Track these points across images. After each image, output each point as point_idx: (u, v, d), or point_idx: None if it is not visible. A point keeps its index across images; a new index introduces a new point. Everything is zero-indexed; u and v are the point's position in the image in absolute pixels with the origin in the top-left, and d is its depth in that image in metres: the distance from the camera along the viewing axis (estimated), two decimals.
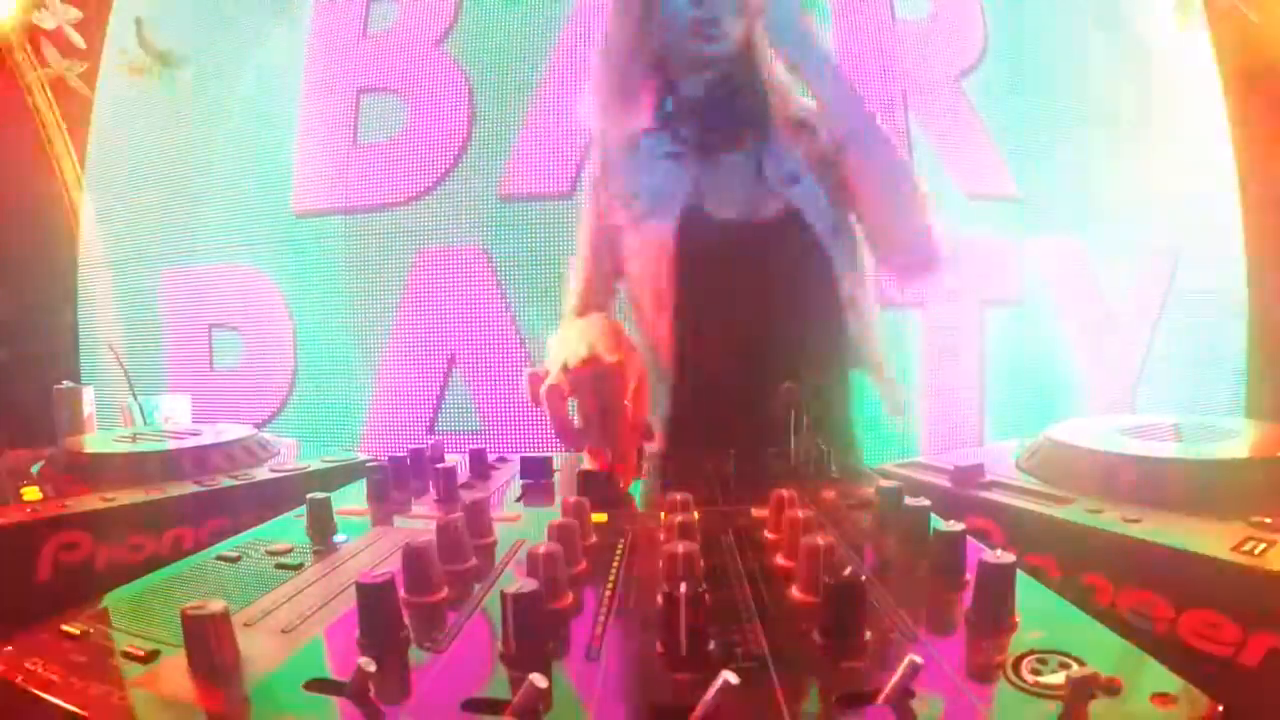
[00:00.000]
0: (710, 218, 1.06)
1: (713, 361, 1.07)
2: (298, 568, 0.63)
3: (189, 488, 0.97)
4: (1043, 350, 2.16)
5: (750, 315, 1.06)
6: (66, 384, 1.61)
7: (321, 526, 0.71)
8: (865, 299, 1.10)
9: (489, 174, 2.09)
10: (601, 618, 0.51)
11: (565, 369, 0.85)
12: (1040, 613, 0.49)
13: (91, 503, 0.89)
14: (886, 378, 1.14)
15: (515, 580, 0.47)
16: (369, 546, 0.68)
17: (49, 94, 2.26)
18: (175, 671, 0.45)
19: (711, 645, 0.45)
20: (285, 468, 1.09)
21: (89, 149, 2.33)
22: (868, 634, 0.46)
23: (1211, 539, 0.65)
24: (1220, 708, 0.38)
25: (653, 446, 0.97)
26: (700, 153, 1.08)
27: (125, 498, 0.91)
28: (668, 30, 1.08)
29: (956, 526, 0.56)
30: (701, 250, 1.06)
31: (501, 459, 1.05)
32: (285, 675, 0.44)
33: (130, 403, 1.58)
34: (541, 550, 0.52)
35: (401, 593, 0.51)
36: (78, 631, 0.51)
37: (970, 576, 0.52)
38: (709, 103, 1.07)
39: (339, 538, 0.70)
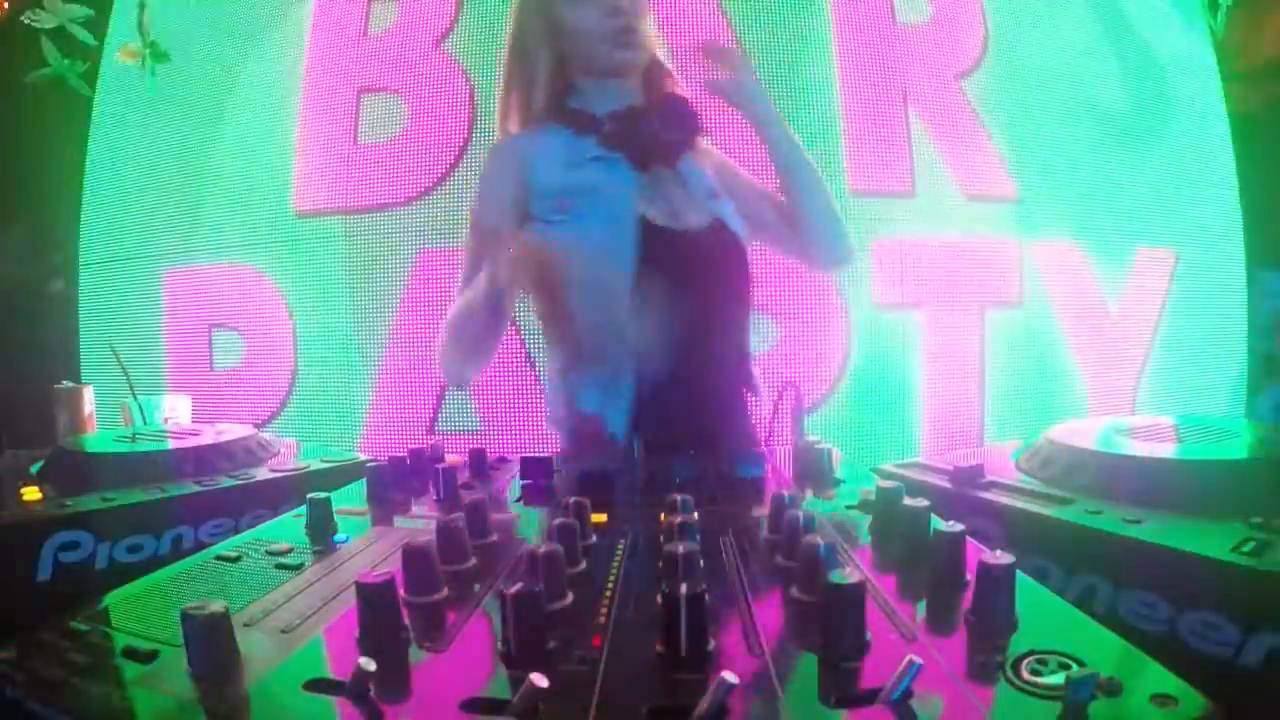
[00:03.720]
0: (652, 224, 1.10)
1: (663, 356, 1.10)
2: (298, 568, 0.63)
3: (189, 488, 0.97)
4: (1043, 351, 2.16)
5: (685, 314, 1.09)
6: (66, 384, 1.61)
7: (321, 526, 0.71)
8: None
9: None
10: (601, 618, 0.51)
11: None
12: (1040, 613, 0.49)
13: (91, 503, 0.89)
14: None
15: (515, 580, 0.47)
16: (369, 546, 0.68)
17: (49, 93, 2.26)
18: (175, 671, 0.45)
19: (711, 645, 0.45)
20: (285, 468, 1.09)
21: (89, 149, 2.33)
22: (868, 634, 0.46)
23: (1211, 539, 0.65)
24: (1220, 708, 0.38)
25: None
26: (636, 162, 1.11)
27: (125, 498, 0.91)
28: (580, 40, 1.12)
29: (956, 527, 0.56)
30: (648, 252, 1.09)
31: (501, 459, 1.05)
32: (285, 675, 0.44)
33: (130, 403, 1.58)
34: (541, 550, 0.52)
35: (401, 593, 0.51)
36: (78, 631, 0.51)
37: (970, 577, 0.52)
38: (643, 115, 1.11)
39: (339, 538, 0.70)
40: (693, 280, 1.10)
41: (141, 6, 2.23)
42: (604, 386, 1.11)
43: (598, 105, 1.13)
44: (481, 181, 1.22)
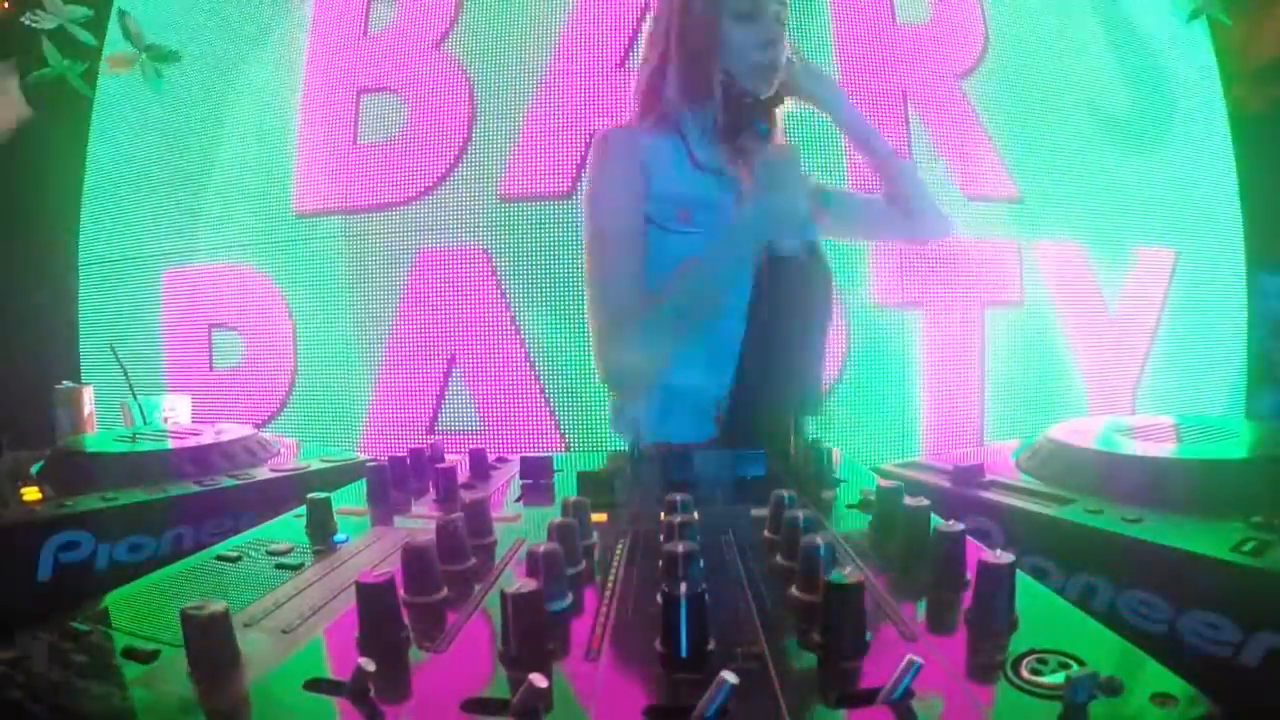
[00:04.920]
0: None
1: (748, 374, 1.14)
2: (298, 568, 0.63)
3: (189, 488, 0.97)
4: (1043, 351, 2.16)
5: (774, 331, 1.15)
6: (66, 384, 1.61)
7: (321, 526, 0.71)
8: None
9: (489, 174, 2.08)
10: (601, 618, 0.51)
11: None
12: (1040, 613, 0.49)
13: (91, 503, 0.89)
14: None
15: (515, 580, 0.47)
16: (369, 546, 0.68)
17: (49, 94, 2.26)
18: (175, 671, 0.45)
19: (711, 645, 0.45)
20: (285, 468, 1.09)
21: (89, 149, 2.33)
22: (868, 634, 0.46)
23: (1211, 539, 0.65)
24: (1220, 708, 0.38)
25: None
26: (737, 181, 1.15)
27: (125, 498, 0.91)
28: (728, 64, 1.14)
29: (956, 526, 0.56)
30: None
31: (501, 459, 1.05)
32: (285, 675, 0.44)
33: (130, 402, 1.58)
34: (541, 550, 0.52)
35: (401, 593, 0.51)
36: (78, 631, 0.51)
37: (970, 576, 0.52)
38: (752, 137, 1.16)
39: (339, 538, 0.70)
40: (774, 301, 1.14)
41: (122, 15, 2.23)
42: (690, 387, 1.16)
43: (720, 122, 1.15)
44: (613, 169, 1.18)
